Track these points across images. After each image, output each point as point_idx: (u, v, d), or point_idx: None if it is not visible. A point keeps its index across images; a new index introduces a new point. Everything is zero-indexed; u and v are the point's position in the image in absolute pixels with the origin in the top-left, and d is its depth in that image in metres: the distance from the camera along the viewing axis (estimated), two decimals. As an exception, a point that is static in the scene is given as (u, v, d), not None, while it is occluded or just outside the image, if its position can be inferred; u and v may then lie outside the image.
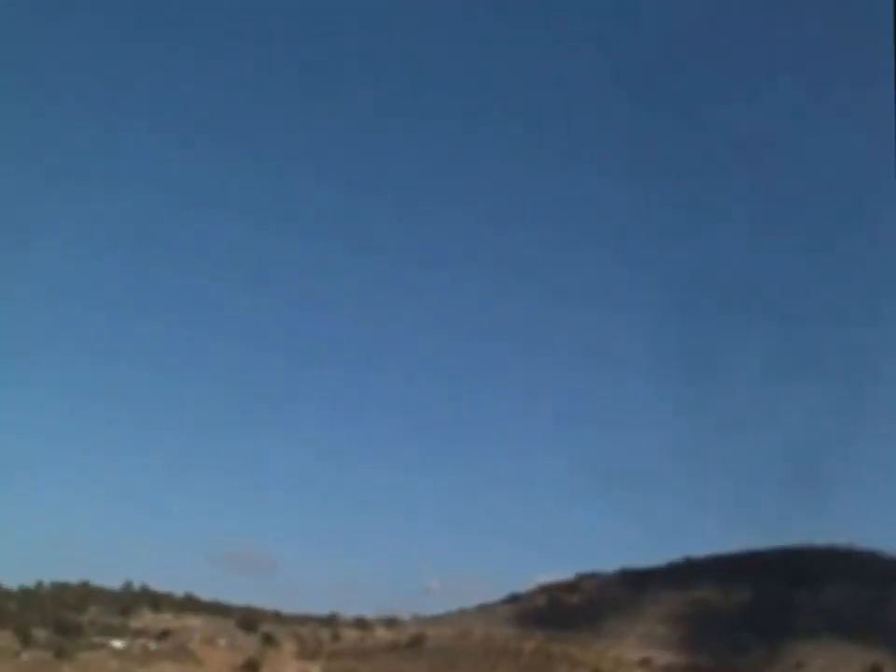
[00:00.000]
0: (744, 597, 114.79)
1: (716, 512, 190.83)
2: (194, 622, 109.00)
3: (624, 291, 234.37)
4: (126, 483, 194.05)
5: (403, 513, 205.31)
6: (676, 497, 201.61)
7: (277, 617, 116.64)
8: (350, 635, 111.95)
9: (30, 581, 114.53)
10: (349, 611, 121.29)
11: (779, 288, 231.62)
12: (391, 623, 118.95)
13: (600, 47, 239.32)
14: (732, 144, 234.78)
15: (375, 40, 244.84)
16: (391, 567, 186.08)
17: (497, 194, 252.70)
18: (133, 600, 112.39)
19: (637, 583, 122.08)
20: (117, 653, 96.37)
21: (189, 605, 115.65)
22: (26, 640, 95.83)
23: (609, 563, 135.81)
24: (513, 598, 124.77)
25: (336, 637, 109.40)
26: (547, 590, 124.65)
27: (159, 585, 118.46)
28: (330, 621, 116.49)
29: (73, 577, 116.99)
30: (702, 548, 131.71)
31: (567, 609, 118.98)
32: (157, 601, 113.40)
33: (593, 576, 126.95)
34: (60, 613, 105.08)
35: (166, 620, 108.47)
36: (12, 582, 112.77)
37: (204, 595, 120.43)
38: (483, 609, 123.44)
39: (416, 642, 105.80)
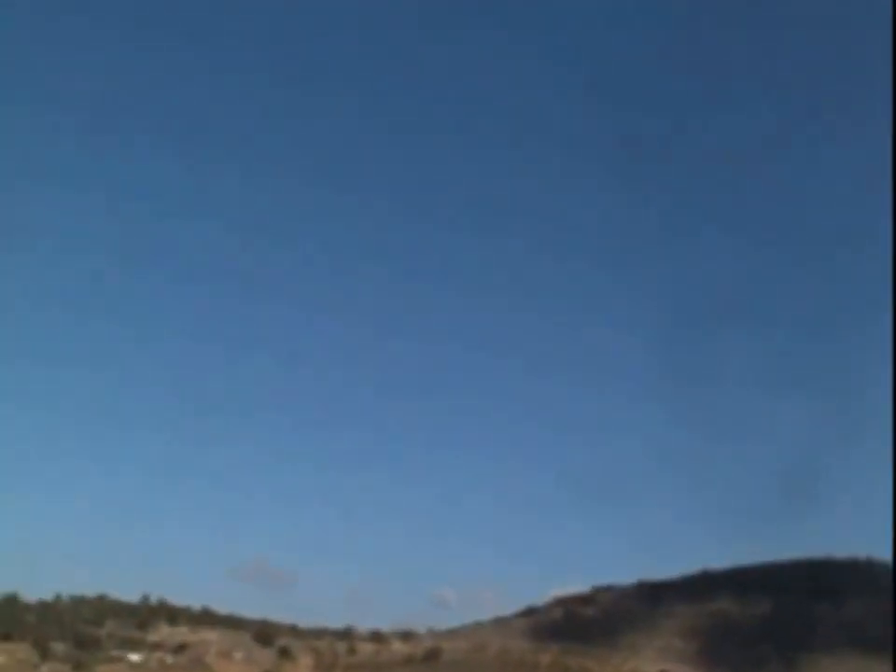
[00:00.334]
0: (762, 610, 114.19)
1: (711, 524, 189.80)
2: (211, 635, 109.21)
3: (619, 305, 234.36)
4: (144, 498, 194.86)
5: (419, 528, 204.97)
6: (671, 510, 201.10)
7: (293, 630, 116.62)
8: (366, 648, 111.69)
9: (49, 595, 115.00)
10: (365, 625, 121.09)
11: (772, 302, 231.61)
12: (407, 636, 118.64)
13: (597, 65, 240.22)
14: (725, 160, 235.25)
15: (369, 53, 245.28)
16: (407, 581, 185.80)
17: (493, 207, 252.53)
18: (150, 614, 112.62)
19: (653, 596, 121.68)
20: (134, 666, 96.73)
21: (206, 618, 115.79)
22: (45, 653, 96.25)
23: (624, 575, 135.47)
24: (529, 611, 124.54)
25: (352, 651, 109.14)
26: (563, 603, 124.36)
27: (176, 599, 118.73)
28: (346, 634, 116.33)
29: (91, 591, 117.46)
30: (715, 560, 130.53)
31: (584, 622, 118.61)
32: (174, 615, 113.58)
33: (609, 588, 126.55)
34: (78, 627, 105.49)
35: (183, 633, 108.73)
36: (31, 596, 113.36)
37: (221, 608, 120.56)
38: (499, 623, 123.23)
39: (432, 655, 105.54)
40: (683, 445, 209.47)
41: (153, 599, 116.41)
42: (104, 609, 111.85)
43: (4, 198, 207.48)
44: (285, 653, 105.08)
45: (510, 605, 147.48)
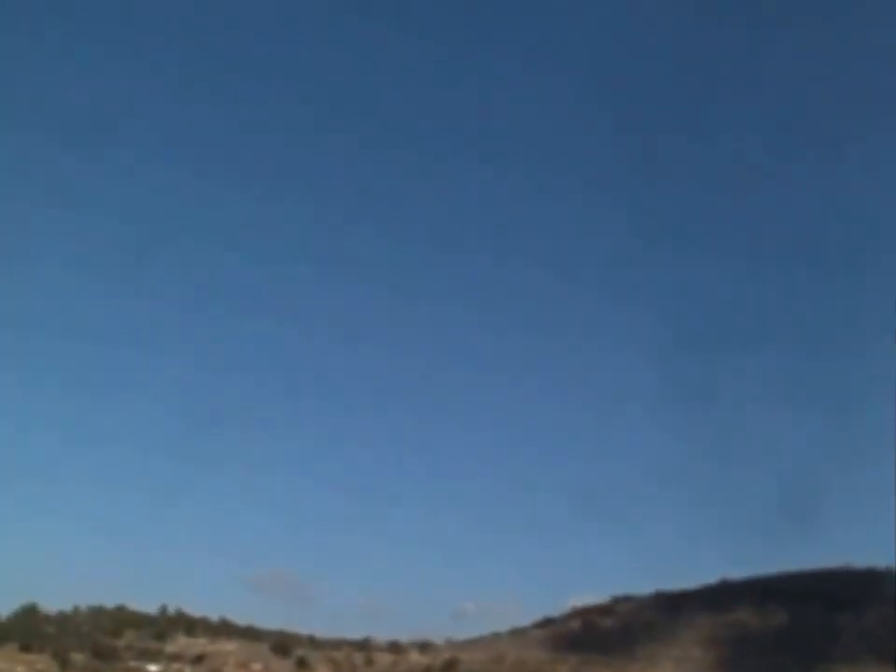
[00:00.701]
0: (781, 620, 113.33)
1: (720, 537, 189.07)
2: (229, 646, 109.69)
3: (621, 324, 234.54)
4: (162, 509, 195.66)
5: (436, 537, 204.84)
6: (683, 523, 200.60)
7: (311, 641, 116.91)
8: (384, 659, 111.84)
9: (67, 606, 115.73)
10: (382, 635, 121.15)
11: (775, 320, 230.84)
12: (424, 647, 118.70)
13: (594, 74, 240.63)
14: (728, 179, 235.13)
15: (371, 65, 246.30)
16: (424, 591, 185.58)
17: (492, 225, 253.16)
18: (168, 625, 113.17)
19: (671, 606, 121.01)
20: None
21: (224, 629, 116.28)
22: (64, 664, 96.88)
23: (643, 586, 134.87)
24: (547, 622, 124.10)
25: (369, 661, 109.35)
26: (581, 613, 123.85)
27: (194, 610, 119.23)
28: (364, 645, 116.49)
29: (109, 601, 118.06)
30: (734, 570, 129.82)
31: (602, 633, 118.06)
32: (192, 626, 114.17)
33: (627, 599, 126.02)
34: (97, 638, 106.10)
35: (201, 644, 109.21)
36: (50, 607, 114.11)
37: (239, 619, 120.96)
38: (517, 633, 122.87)
39: (450, 666, 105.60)
40: (692, 460, 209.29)
41: (171, 610, 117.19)
42: (122, 619, 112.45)
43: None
44: (302, 664, 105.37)
45: (528, 616, 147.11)
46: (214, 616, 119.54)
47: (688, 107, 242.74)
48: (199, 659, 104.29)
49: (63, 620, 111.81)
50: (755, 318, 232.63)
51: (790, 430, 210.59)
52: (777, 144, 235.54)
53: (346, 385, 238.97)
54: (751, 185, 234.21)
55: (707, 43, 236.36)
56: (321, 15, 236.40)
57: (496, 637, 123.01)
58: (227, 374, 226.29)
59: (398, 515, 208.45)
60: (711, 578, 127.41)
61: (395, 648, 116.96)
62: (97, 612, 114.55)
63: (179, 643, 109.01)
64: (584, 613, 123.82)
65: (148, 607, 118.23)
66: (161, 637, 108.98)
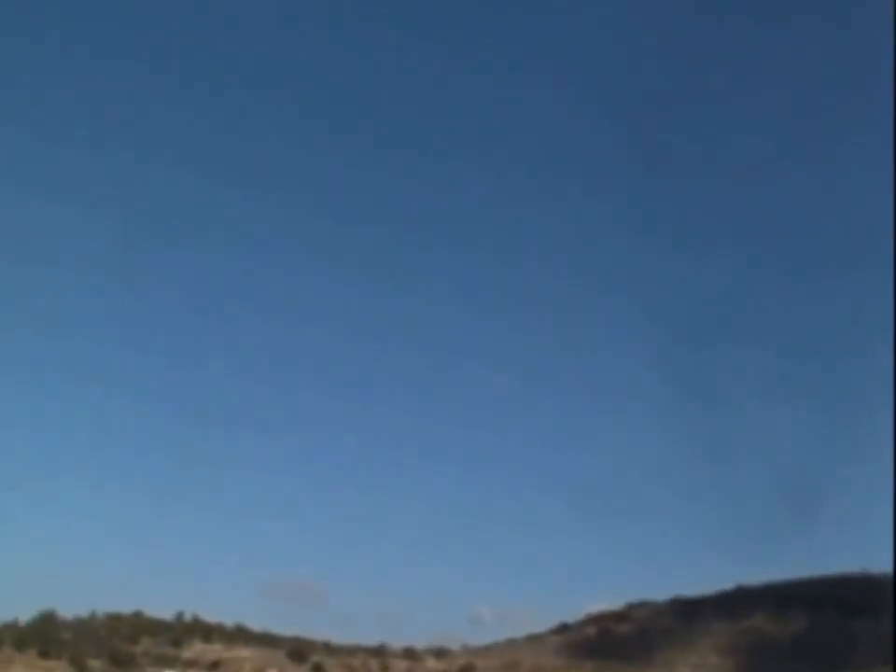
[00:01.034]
0: (799, 627, 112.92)
1: (726, 543, 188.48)
2: (244, 652, 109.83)
3: (619, 322, 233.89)
4: (178, 514, 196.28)
5: (452, 543, 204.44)
6: (693, 526, 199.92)
7: (327, 647, 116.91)
8: (399, 665, 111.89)
9: (85, 612, 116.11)
10: (398, 641, 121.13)
11: (773, 315, 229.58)
12: (440, 653, 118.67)
13: (594, 72, 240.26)
14: (727, 177, 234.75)
15: (367, 63, 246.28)
16: (440, 597, 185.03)
17: (494, 225, 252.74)
18: (184, 631, 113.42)
19: (688, 612, 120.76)
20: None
21: (240, 635, 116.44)
22: (82, 670, 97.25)
23: (659, 592, 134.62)
24: (562, 628, 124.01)
25: (385, 668, 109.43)
26: (597, 619, 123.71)
27: (210, 616, 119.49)
28: (380, 651, 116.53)
29: (126, 607, 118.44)
30: (753, 576, 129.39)
31: (618, 639, 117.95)
32: (208, 632, 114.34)
33: (643, 605, 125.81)
34: (114, 643, 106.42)
35: (217, 650, 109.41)
36: (68, 613, 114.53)
37: (255, 625, 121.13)
38: (533, 640, 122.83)
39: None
40: (695, 460, 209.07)
41: (188, 616, 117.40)
42: (139, 626, 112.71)
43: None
44: (318, 670, 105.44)
45: (543, 622, 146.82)
46: (230, 622, 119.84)
47: (688, 103, 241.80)
48: (215, 665, 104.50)
49: (81, 626, 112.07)
50: (754, 315, 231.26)
51: (792, 428, 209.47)
52: (777, 141, 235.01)
53: (362, 389, 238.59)
54: (752, 184, 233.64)
55: (709, 40, 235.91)
56: (321, 14, 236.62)
57: (511, 643, 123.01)
58: (242, 377, 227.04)
59: (413, 520, 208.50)
60: (727, 584, 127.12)
61: (410, 654, 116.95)
62: (114, 618, 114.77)
63: (195, 649, 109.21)
64: (600, 619, 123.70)
65: (165, 613, 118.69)
66: (178, 643, 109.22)
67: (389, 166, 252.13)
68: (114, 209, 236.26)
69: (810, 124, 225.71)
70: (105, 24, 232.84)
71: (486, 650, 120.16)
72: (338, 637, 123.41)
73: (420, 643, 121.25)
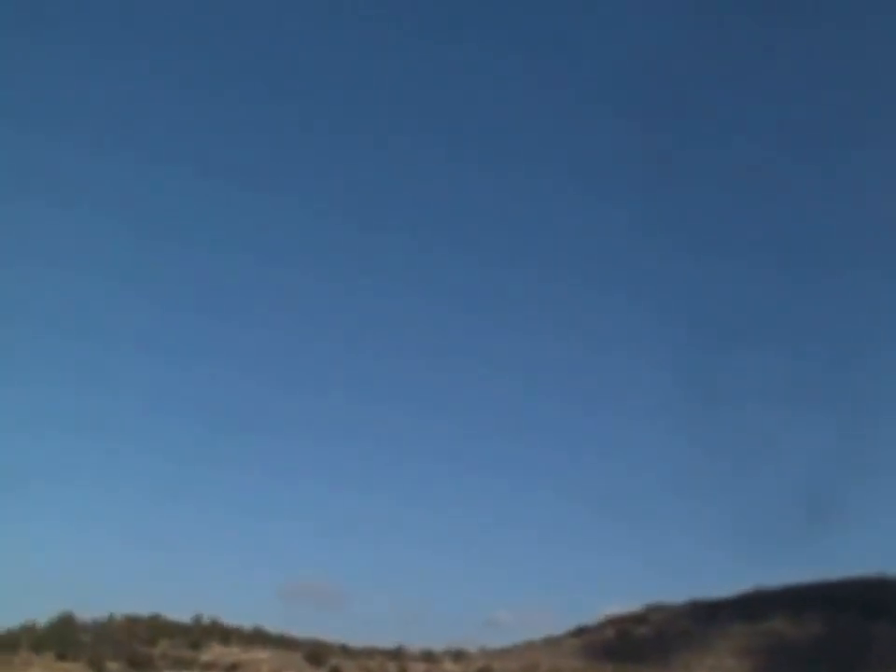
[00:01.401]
0: (817, 629, 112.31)
1: (731, 544, 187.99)
2: (262, 655, 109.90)
3: (629, 322, 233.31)
4: (196, 517, 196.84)
5: (470, 545, 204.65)
6: (701, 531, 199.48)
7: (344, 650, 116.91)
8: (417, 667, 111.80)
9: (103, 615, 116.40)
10: (416, 644, 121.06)
11: (786, 317, 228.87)
12: (458, 655, 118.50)
13: (599, 73, 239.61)
14: (735, 173, 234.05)
15: (369, 65, 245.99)
16: (458, 600, 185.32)
17: (505, 227, 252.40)
18: (202, 633, 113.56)
19: (706, 615, 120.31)
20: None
21: (258, 638, 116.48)
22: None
23: (677, 594, 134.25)
24: (580, 630, 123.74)
25: (403, 670, 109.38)
26: (614, 622, 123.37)
27: (227, 619, 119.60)
28: (397, 653, 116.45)
29: (144, 610, 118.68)
30: (771, 578, 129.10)
31: (635, 642, 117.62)
32: (226, 634, 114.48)
33: (660, 607, 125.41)
34: (132, 646, 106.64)
35: (235, 653, 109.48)
36: (86, 615, 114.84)
37: (272, 628, 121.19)
38: (551, 642, 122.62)
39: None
40: (710, 462, 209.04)
41: (205, 619, 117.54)
42: (157, 628, 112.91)
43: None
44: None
45: (560, 624, 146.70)
46: (248, 625, 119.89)
47: (696, 105, 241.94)
48: (233, 667, 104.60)
49: (99, 628, 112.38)
50: (767, 317, 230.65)
51: (807, 431, 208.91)
52: (785, 143, 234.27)
53: (382, 393, 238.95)
54: (768, 186, 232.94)
55: (716, 40, 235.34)
56: (320, 14, 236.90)
57: (529, 645, 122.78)
58: (260, 379, 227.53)
59: (431, 523, 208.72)
60: (745, 586, 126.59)
61: (428, 656, 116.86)
62: (132, 621, 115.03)
63: (214, 652, 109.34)
64: (618, 622, 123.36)
65: (183, 615, 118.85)
66: (196, 645, 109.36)
67: (393, 168, 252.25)
68: (117, 208, 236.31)
69: (821, 126, 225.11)
70: (104, 24, 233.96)
71: (504, 652, 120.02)
72: (355, 639, 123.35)
73: (438, 645, 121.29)
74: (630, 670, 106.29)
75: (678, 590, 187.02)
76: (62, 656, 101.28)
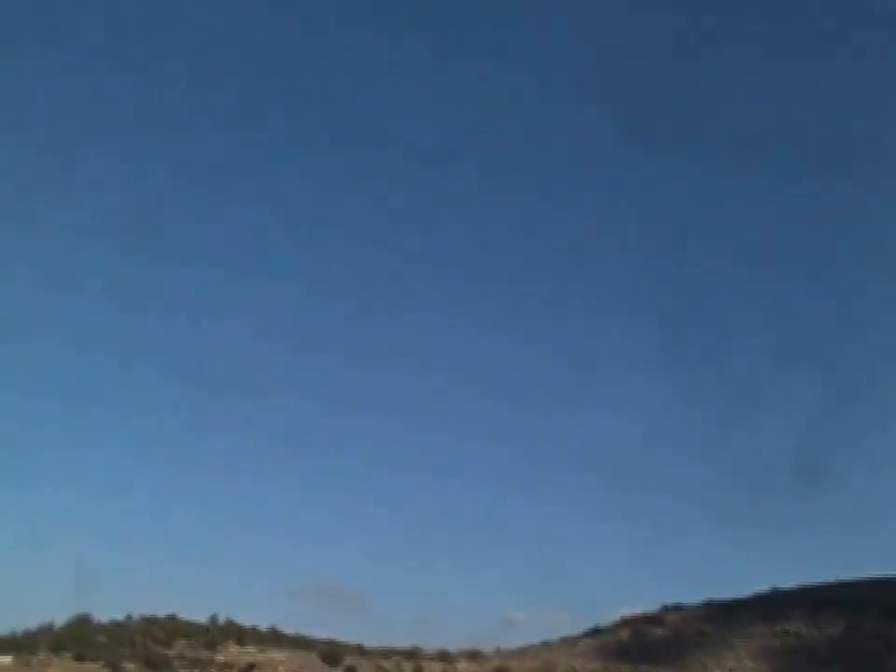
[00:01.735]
0: (835, 630, 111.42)
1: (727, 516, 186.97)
2: (279, 655, 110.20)
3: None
4: (212, 518, 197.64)
5: (485, 546, 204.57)
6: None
7: (360, 650, 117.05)
8: (433, 668, 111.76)
9: (120, 615, 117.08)
10: (432, 644, 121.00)
11: (779, 278, 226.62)
12: (474, 655, 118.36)
13: (594, 73, 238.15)
14: (733, 142, 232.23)
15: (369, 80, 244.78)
16: (473, 600, 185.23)
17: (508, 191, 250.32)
18: (219, 634, 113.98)
19: (722, 616, 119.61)
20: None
21: (274, 638, 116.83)
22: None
23: (693, 595, 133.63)
24: (596, 631, 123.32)
25: (419, 670, 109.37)
26: (630, 623, 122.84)
27: (244, 619, 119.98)
28: (413, 654, 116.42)
29: (161, 610, 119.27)
30: (788, 578, 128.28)
31: (651, 643, 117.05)
32: (242, 635, 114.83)
33: (677, 608, 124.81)
34: (149, 647, 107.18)
35: (251, 653, 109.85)
36: (103, 616, 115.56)
37: (289, 628, 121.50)
38: (566, 643, 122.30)
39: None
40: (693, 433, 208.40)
41: (221, 620, 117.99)
42: (174, 629, 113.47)
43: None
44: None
45: (576, 625, 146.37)
46: (264, 625, 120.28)
47: (689, 98, 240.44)
48: (249, 668, 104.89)
49: (116, 629, 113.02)
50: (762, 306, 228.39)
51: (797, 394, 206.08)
52: (782, 141, 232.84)
53: (390, 396, 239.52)
54: (758, 148, 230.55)
55: (710, 39, 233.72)
56: (320, 13, 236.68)
57: (545, 646, 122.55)
58: (272, 384, 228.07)
59: (446, 524, 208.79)
60: (762, 586, 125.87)
61: (444, 656, 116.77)
62: (149, 622, 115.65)
63: (230, 652, 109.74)
64: (634, 623, 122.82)
65: (199, 616, 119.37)
66: (212, 646, 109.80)
67: (384, 176, 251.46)
68: (109, 218, 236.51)
69: (823, 129, 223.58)
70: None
71: (519, 652, 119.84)
72: (371, 639, 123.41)
73: (453, 646, 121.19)
74: (645, 671, 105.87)
75: (695, 590, 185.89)
76: (79, 657, 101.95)
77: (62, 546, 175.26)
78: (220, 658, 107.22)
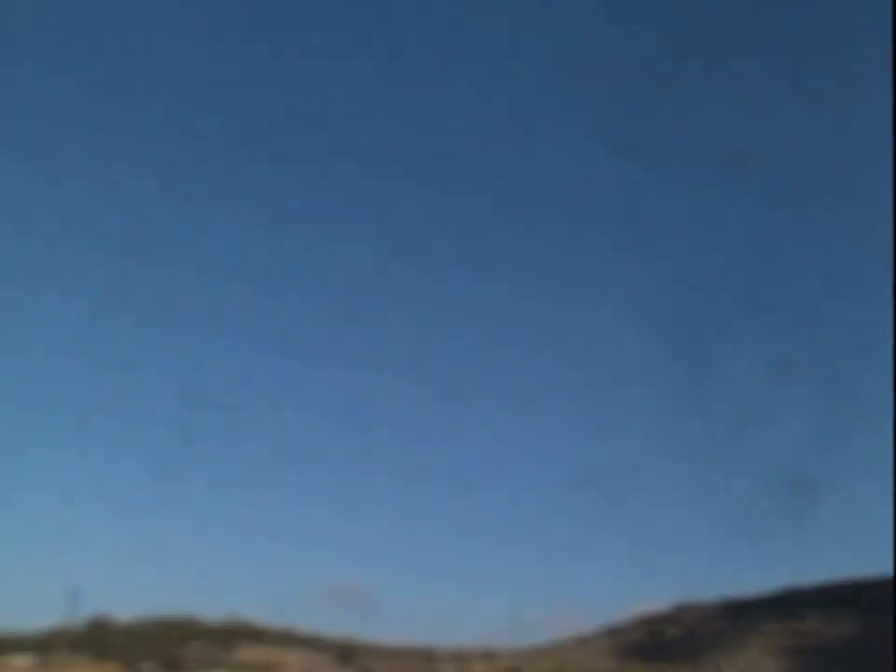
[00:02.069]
0: (851, 629, 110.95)
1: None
2: (293, 655, 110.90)
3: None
4: (227, 519, 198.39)
5: (499, 544, 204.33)
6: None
7: (375, 651, 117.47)
8: (447, 667, 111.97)
9: (136, 616, 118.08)
10: (446, 644, 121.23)
11: (777, 291, 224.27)
12: (488, 655, 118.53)
13: (586, 74, 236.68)
14: (729, 149, 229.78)
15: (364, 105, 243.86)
16: (488, 599, 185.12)
17: (501, 190, 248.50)
18: (234, 634, 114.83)
19: (738, 614, 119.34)
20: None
21: (288, 639, 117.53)
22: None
23: (708, 593, 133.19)
24: (611, 630, 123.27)
25: (433, 670, 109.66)
26: (645, 621, 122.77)
27: (259, 619, 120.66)
28: (427, 653, 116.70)
29: (178, 611, 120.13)
30: (805, 577, 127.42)
31: (667, 641, 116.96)
32: (257, 635, 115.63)
33: (692, 606, 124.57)
34: (165, 647, 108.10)
35: (266, 654, 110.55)
36: (121, 617, 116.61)
37: (303, 628, 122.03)
38: (581, 642, 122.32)
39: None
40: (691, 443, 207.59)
41: (236, 620, 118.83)
42: (189, 629, 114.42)
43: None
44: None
45: (590, 624, 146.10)
46: (278, 626, 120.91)
47: (680, 96, 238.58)
48: (264, 668, 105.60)
49: (133, 630, 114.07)
50: (758, 291, 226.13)
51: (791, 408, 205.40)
52: (776, 157, 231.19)
53: (399, 404, 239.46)
54: (753, 157, 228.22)
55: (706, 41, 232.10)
56: (320, 14, 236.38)
57: (559, 645, 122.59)
58: (285, 392, 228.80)
59: (460, 521, 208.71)
60: (778, 585, 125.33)
61: (458, 656, 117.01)
62: (165, 623, 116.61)
63: (245, 652, 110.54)
64: (648, 621, 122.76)
65: (214, 617, 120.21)
66: (227, 646, 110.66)
67: (380, 182, 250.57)
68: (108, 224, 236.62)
69: (814, 101, 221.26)
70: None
71: (534, 652, 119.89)
72: (386, 639, 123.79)
73: (467, 645, 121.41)
74: (660, 670, 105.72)
75: (709, 588, 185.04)
76: (97, 657, 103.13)
77: (77, 546, 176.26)
78: (235, 658, 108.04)
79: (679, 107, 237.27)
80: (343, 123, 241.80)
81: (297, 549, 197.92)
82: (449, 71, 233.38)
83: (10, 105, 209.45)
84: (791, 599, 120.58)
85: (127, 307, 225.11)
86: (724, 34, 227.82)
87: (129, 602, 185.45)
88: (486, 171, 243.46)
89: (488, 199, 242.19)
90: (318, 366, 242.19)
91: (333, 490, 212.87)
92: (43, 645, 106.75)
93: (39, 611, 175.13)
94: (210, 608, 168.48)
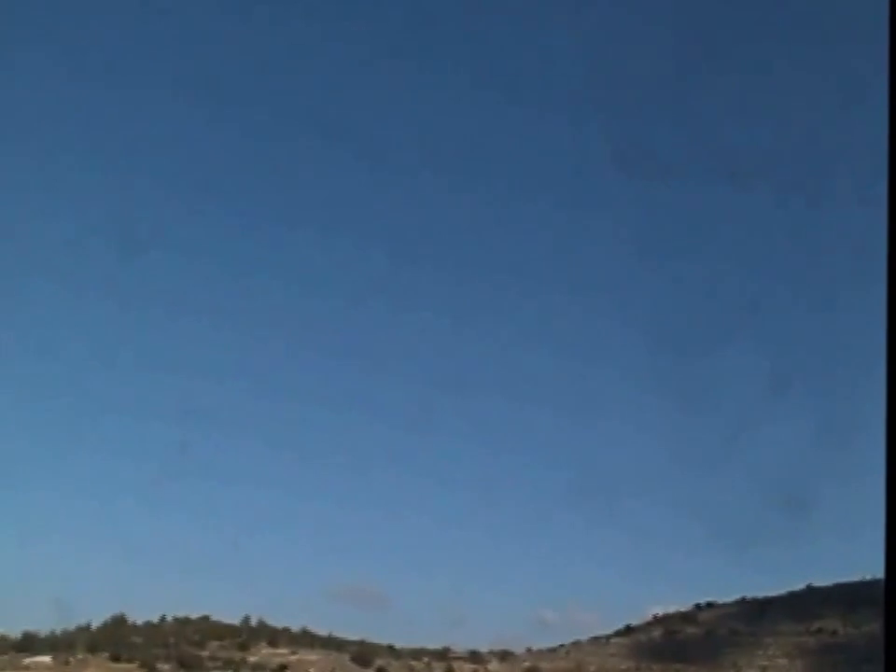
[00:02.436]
0: (869, 628, 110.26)
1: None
2: (310, 656, 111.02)
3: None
4: (243, 519, 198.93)
5: (515, 545, 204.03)
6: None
7: (391, 651, 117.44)
8: (464, 668, 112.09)
9: (155, 616, 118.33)
10: (462, 644, 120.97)
11: (771, 311, 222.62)
12: (505, 656, 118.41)
13: (585, 75, 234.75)
14: (728, 169, 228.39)
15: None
16: (504, 600, 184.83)
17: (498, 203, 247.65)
18: (251, 635, 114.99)
19: (756, 614, 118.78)
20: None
21: (306, 639, 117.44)
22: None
23: (726, 593, 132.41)
24: (627, 630, 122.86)
25: (449, 671, 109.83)
26: (662, 621, 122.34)
27: (275, 620, 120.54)
28: (444, 654, 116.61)
29: (195, 612, 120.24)
30: (822, 576, 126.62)
31: (684, 641, 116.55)
32: (274, 636, 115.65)
33: (709, 606, 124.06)
34: (182, 648, 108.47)
35: (283, 654, 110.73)
36: (138, 617, 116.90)
37: (320, 629, 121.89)
38: (598, 642, 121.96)
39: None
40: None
41: (254, 621, 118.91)
42: (206, 630, 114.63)
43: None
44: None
45: (607, 624, 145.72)
46: (296, 626, 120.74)
47: (688, 102, 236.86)
48: (281, 669, 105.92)
49: (150, 630, 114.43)
50: (753, 311, 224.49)
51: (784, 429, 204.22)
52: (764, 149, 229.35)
53: (410, 404, 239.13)
54: (748, 177, 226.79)
55: (705, 42, 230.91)
56: (320, 15, 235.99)
57: (576, 645, 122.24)
58: (305, 388, 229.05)
59: (476, 522, 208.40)
60: (796, 584, 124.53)
61: (475, 657, 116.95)
62: (182, 623, 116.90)
63: (262, 653, 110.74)
64: (666, 621, 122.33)
65: (232, 617, 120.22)
66: (244, 647, 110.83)
67: (373, 184, 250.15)
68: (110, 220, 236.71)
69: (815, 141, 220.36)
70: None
71: (551, 652, 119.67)
72: (402, 640, 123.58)
73: (484, 646, 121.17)
74: (678, 670, 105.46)
75: (728, 588, 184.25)
76: (115, 657, 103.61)
77: (95, 547, 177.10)
78: (253, 659, 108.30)
79: (680, 116, 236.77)
80: (354, 117, 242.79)
81: (312, 550, 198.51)
82: (460, 71, 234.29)
83: (6, 95, 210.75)
84: (811, 599, 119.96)
85: (127, 306, 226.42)
86: (732, 45, 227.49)
87: (147, 603, 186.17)
88: (487, 171, 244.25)
89: (488, 198, 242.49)
90: (335, 364, 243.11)
91: (348, 492, 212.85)
92: (62, 644, 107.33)
93: (52, 613, 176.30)
94: (227, 609, 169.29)
